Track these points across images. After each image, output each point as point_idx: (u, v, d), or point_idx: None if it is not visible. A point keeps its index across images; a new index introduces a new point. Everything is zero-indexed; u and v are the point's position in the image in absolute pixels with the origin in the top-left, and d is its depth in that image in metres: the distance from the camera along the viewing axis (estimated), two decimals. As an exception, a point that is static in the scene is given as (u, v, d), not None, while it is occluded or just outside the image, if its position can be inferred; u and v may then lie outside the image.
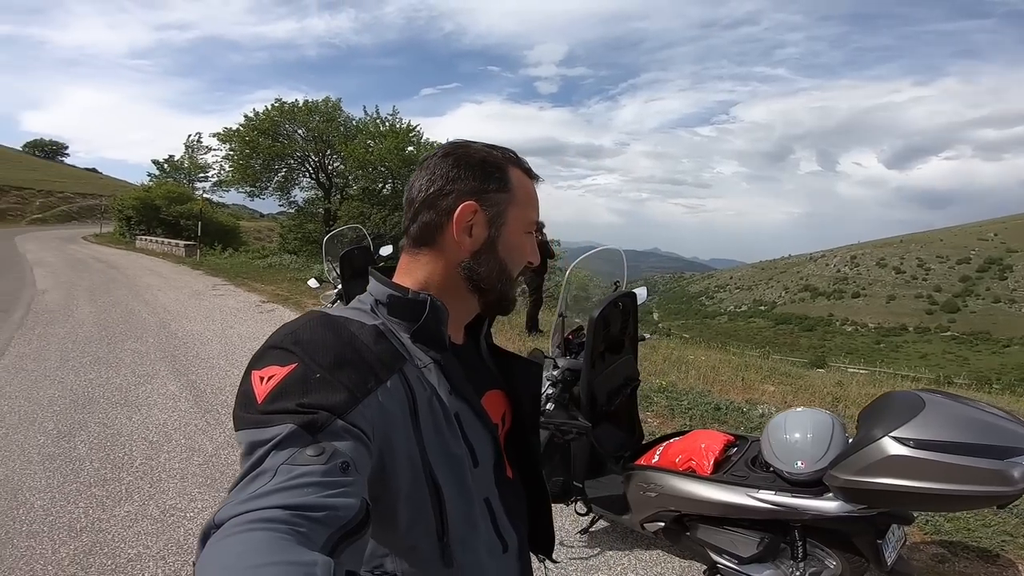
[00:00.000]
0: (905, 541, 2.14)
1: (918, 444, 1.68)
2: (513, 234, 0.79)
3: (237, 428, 0.57)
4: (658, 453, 2.60)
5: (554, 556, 0.97)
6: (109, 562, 2.51)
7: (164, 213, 25.85)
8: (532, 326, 8.44)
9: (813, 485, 2.02)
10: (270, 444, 0.52)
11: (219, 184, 29.02)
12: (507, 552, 0.79)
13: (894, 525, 2.02)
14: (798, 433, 2.11)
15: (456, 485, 0.70)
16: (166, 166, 33.86)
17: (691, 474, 2.35)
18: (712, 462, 2.38)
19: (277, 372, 0.59)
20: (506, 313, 0.82)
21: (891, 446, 1.72)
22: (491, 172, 0.77)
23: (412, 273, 0.77)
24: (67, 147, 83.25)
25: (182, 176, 33.36)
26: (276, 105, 25.44)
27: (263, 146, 24.74)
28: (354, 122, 26.99)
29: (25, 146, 76.87)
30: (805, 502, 2.01)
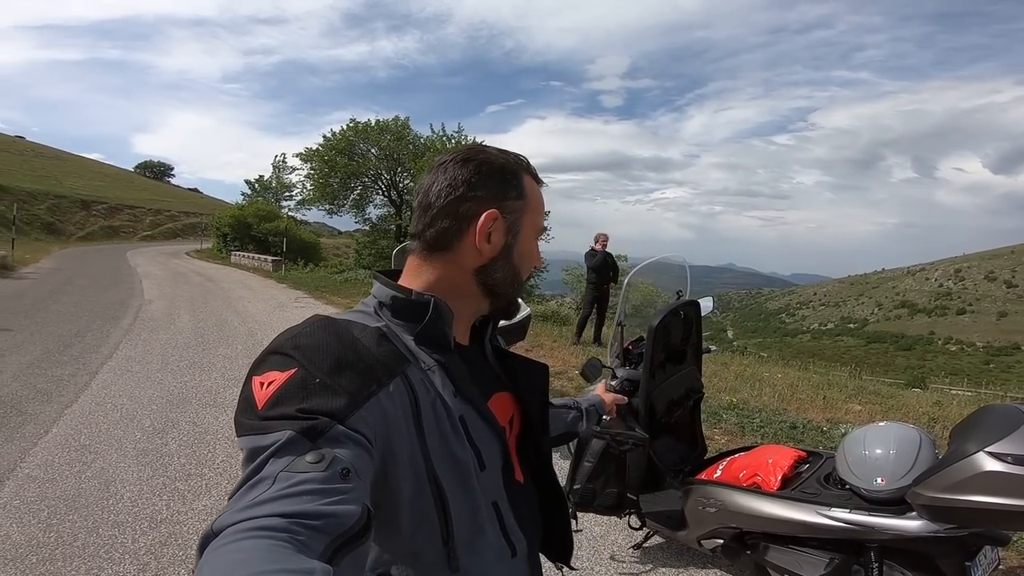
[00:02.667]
0: (998, 564, 1.93)
1: (1017, 460, 1.55)
2: (526, 240, 0.81)
3: (238, 434, 0.57)
4: (720, 468, 2.49)
5: (573, 564, 0.94)
6: (180, 553, 2.69)
7: (254, 230, 27.91)
8: (583, 335, 8.59)
9: (894, 503, 1.88)
10: (269, 451, 0.52)
11: (302, 203, 31.00)
12: (516, 557, 0.76)
13: (987, 547, 1.85)
14: (879, 448, 1.97)
15: (461, 488, 0.69)
16: (256, 186, 36.57)
17: (756, 490, 2.24)
18: (779, 478, 2.24)
19: (277, 378, 0.58)
20: (510, 318, 0.86)
21: (986, 461, 1.59)
22: (510, 180, 0.78)
23: (421, 276, 0.76)
24: (173, 168, 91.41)
25: (270, 195, 35.87)
26: (351, 125, 26.90)
27: (340, 165, 26.20)
28: (422, 140, 28.05)
29: (137, 167, 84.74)
30: (884, 521, 1.86)
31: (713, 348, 3.26)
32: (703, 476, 2.50)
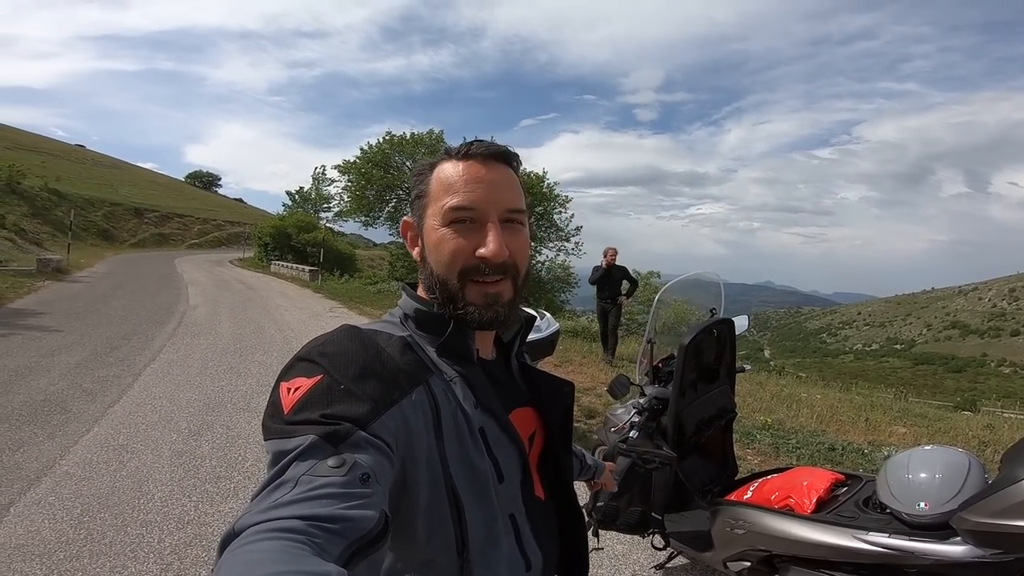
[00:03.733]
0: None
1: None
2: (431, 233, 0.74)
3: (265, 438, 0.59)
4: (752, 489, 2.39)
5: None
6: (204, 554, 2.72)
7: (294, 240, 28.73)
8: (608, 346, 8.55)
9: (936, 528, 1.78)
10: (293, 454, 0.54)
11: (339, 214, 31.78)
12: (530, 571, 0.76)
13: None
14: (924, 472, 1.88)
15: (478, 499, 0.69)
16: (297, 197, 37.71)
17: (788, 512, 2.13)
18: (814, 501, 2.14)
19: (303, 383, 0.60)
20: (474, 320, 0.72)
21: None
22: (416, 182, 0.78)
23: None
24: (220, 178, 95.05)
25: (309, 206, 36.93)
26: (387, 138, 27.52)
27: (376, 177, 26.82)
28: None
29: (187, 177, 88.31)
30: (925, 545, 1.77)
31: (747, 367, 3.16)
32: (732, 496, 2.40)
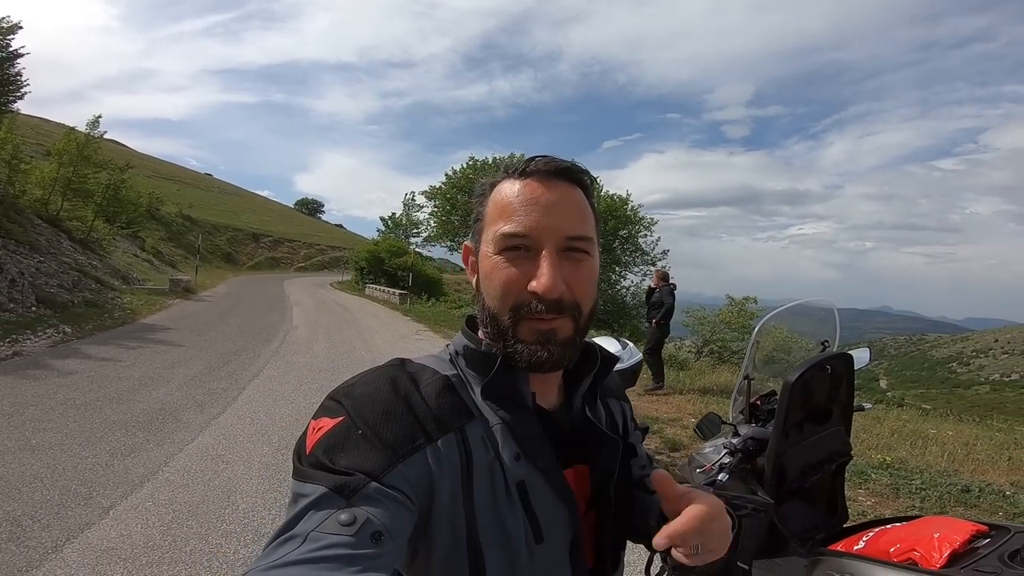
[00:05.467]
0: None
1: None
2: (484, 260, 0.67)
3: (292, 476, 0.58)
4: (865, 539, 2.01)
5: None
6: None
7: (386, 265, 30.28)
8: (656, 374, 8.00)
9: None
10: (305, 504, 0.53)
11: (427, 239, 33.18)
12: None
13: None
14: None
15: (507, 560, 0.63)
16: (389, 223, 39.91)
17: (911, 566, 1.74)
18: (947, 555, 1.73)
19: (326, 424, 0.59)
20: (526, 359, 0.64)
21: None
22: (476, 204, 0.72)
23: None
24: (324, 205, 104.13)
25: (400, 232, 38.87)
26: (470, 163, 28.57)
27: (460, 202, 27.79)
28: None
29: (296, 203, 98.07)
30: None
31: (868, 406, 2.76)
32: (839, 546, 2.04)
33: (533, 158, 0.67)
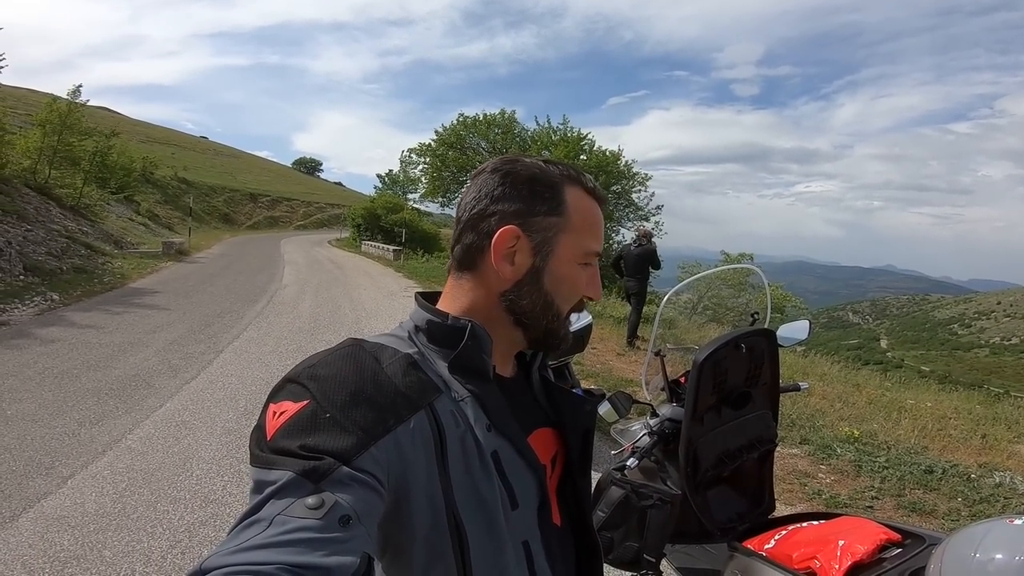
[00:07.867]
0: None
1: None
2: (562, 265, 0.72)
3: (250, 463, 0.57)
4: (777, 537, 2.02)
5: None
6: (213, 534, 2.82)
7: (382, 221, 30.11)
8: (632, 337, 8.17)
9: None
10: (271, 490, 0.51)
11: (422, 196, 32.97)
12: None
13: None
14: (1001, 554, 1.34)
15: (485, 527, 0.65)
16: (386, 179, 39.48)
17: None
18: (847, 566, 1.73)
19: (289, 408, 0.57)
20: (554, 349, 0.77)
21: None
22: (540, 192, 0.71)
23: (456, 299, 0.73)
24: (322, 164, 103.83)
25: (398, 188, 38.47)
26: (460, 120, 28.05)
27: (451, 158, 27.41)
28: (528, 133, 28.31)
29: (294, 163, 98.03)
30: None
31: (804, 385, 2.68)
32: (754, 542, 2.05)
33: (595, 184, 0.76)
